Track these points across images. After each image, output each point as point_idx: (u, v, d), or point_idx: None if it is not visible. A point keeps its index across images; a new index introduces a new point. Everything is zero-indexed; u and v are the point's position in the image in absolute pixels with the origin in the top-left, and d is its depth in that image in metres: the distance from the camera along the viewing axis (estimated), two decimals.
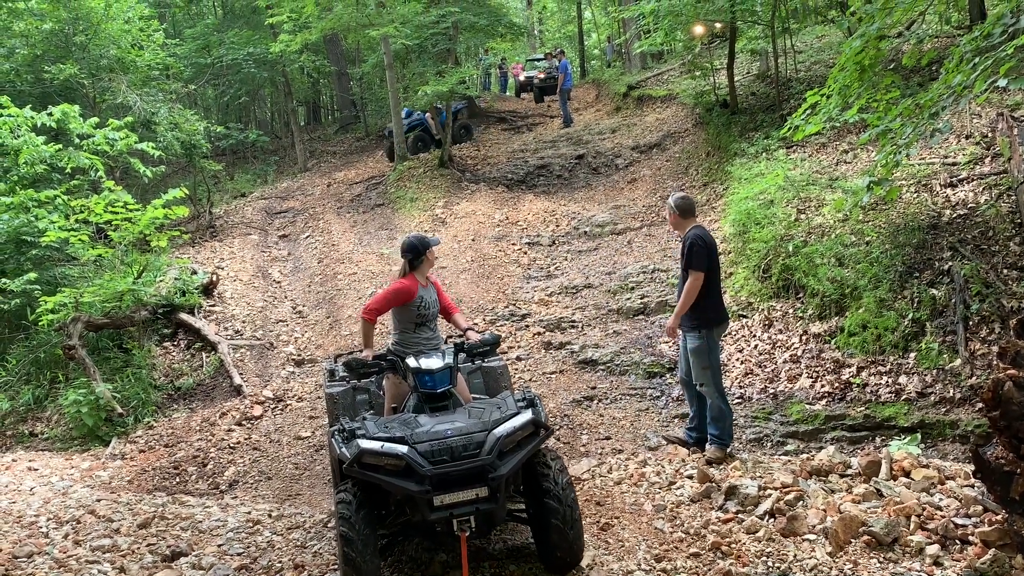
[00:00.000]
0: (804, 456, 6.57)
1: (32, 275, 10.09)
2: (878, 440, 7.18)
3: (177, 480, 7.90)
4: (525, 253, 13.35)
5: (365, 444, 4.61)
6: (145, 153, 12.59)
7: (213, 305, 12.14)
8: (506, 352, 10.11)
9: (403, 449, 4.56)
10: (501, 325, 10.86)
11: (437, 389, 5.19)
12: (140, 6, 17.58)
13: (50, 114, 11.51)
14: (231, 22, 23.68)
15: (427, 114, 20.29)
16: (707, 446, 6.63)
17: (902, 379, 7.60)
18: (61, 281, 10.78)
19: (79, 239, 10.58)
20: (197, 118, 17.21)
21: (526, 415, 4.80)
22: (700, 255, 6.28)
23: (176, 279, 11.75)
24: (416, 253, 5.76)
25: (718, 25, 16.00)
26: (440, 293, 5.99)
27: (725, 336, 9.08)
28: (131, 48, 16.46)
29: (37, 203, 10.79)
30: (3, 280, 9.92)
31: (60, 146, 11.68)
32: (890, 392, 7.55)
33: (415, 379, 5.28)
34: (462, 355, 5.84)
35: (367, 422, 4.88)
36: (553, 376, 9.48)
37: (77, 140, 11.91)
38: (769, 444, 7.56)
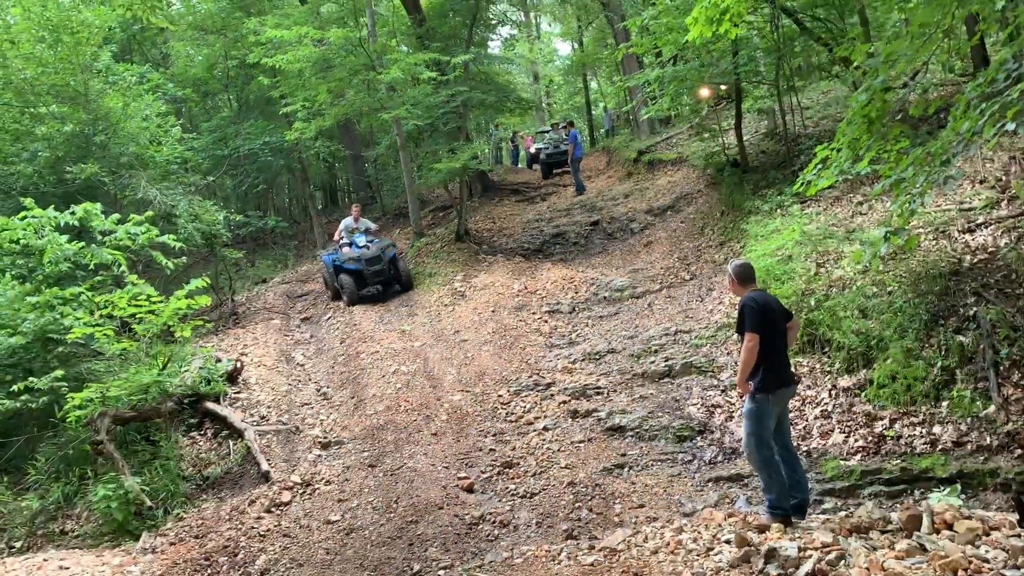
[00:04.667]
0: (843, 513, 6.42)
1: (59, 372, 10.17)
2: (917, 493, 7.03)
3: (209, 572, 7.82)
4: (546, 321, 13.35)
5: None
6: (166, 245, 12.79)
7: (238, 392, 12.16)
8: (532, 424, 10.04)
9: None
10: (526, 395, 10.80)
11: None
12: (157, 104, 18.10)
13: (73, 213, 11.77)
14: (246, 114, 24.26)
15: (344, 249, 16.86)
16: (764, 509, 6.44)
17: (936, 429, 7.46)
18: (87, 376, 10.85)
19: (104, 334, 10.70)
20: (216, 208, 17.51)
21: None
22: (752, 316, 6.22)
23: (201, 368, 11.81)
24: None
25: (723, 87, 16.24)
26: None
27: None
28: (150, 144, 16.90)
29: (62, 301, 10.95)
30: (31, 379, 10.00)
31: (83, 243, 11.91)
32: (925, 443, 7.42)
33: None
34: None
35: None
36: (581, 445, 9.39)
37: (100, 237, 12.14)
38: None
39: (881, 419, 7.93)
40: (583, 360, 11.63)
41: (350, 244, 16.93)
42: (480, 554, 7.20)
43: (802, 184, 8.39)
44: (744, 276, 6.54)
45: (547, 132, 30.11)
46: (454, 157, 17.48)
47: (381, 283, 16.85)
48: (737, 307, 6.39)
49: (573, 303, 14.01)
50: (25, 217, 11.50)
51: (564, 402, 10.47)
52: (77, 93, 15.61)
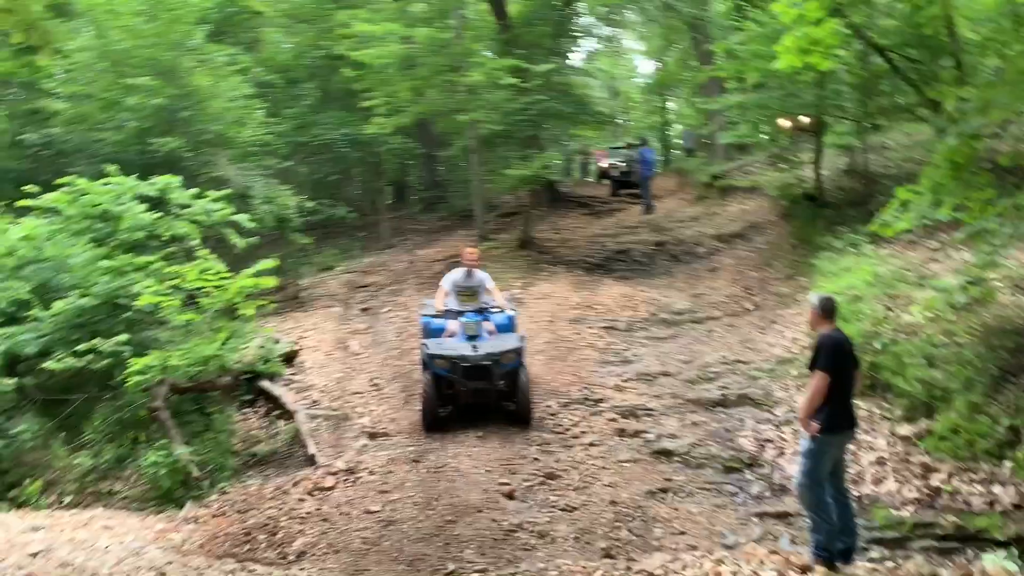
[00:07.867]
0: (890, 564, 6.26)
1: (123, 337, 10.37)
2: (970, 552, 6.79)
3: (247, 547, 7.92)
4: (601, 337, 13.27)
5: None
6: (240, 224, 13.03)
7: (293, 374, 12.35)
8: (578, 438, 9.97)
9: None
10: (575, 409, 10.74)
11: None
12: (243, 86, 18.47)
13: (153, 184, 12.07)
14: (328, 104, 24.59)
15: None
16: (809, 550, 6.31)
17: (996, 489, 7.21)
18: (150, 344, 11.08)
19: (170, 304, 10.92)
20: (290, 193, 17.80)
21: None
22: (826, 355, 6.10)
23: (260, 347, 12.00)
24: None
25: (805, 119, 15.99)
26: None
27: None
28: (232, 124, 17.25)
29: (134, 268, 11.21)
30: (96, 340, 10.24)
31: (160, 214, 12.19)
32: (983, 502, 7.17)
33: None
34: None
35: None
36: (627, 465, 9.29)
37: (177, 209, 12.42)
38: None
39: (939, 472, 7.70)
40: (636, 379, 11.54)
41: (458, 313, 10.73)
42: (515, 562, 7.16)
43: (880, 224, 8.24)
44: (828, 310, 6.40)
45: (620, 148, 30.03)
46: (525, 165, 17.54)
47: (482, 404, 10.37)
48: (814, 342, 6.26)
49: (631, 321, 13.91)
50: (107, 183, 11.82)
51: (612, 420, 10.39)
52: (168, 68, 16.02)
